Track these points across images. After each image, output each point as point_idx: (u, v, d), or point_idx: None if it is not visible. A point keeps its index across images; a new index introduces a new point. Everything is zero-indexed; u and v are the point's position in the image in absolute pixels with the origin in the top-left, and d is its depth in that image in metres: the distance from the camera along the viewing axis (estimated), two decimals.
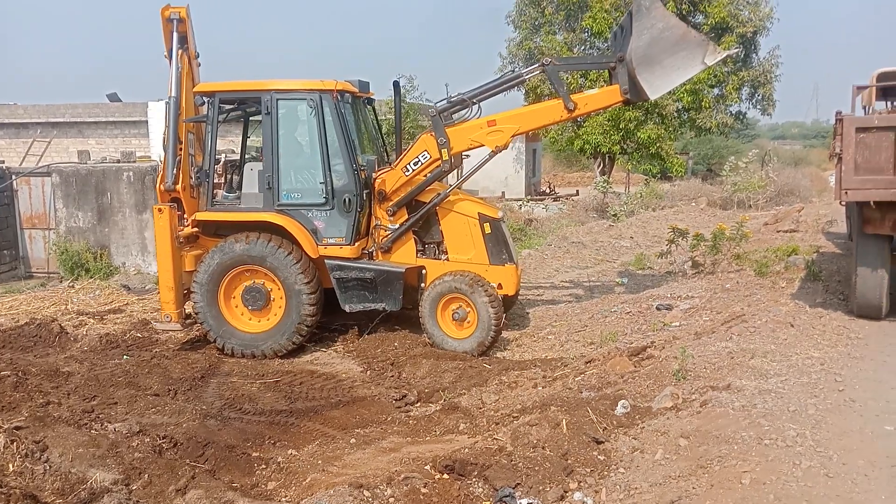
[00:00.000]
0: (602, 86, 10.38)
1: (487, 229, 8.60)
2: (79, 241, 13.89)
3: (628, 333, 8.03)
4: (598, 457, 4.65)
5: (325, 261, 8.41)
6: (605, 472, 4.48)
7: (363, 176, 8.53)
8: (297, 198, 8.43)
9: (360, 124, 9.25)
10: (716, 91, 24.33)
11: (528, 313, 9.83)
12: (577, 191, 28.72)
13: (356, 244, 8.50)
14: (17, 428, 5.39)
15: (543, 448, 4.70)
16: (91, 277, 12.85)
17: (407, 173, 8.50)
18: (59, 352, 8.52)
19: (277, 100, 8.26)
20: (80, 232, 14.17)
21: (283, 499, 4.99)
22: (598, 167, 26.04)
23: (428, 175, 8.53)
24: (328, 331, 9.26)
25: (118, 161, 15.06)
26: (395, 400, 6.84)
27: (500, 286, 8.45)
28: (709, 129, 24.76)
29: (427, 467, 4.71)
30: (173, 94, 8.21)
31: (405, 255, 8.70)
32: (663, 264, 11.40)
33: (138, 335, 9.17)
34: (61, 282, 13.14)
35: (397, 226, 8.62)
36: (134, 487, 4.92)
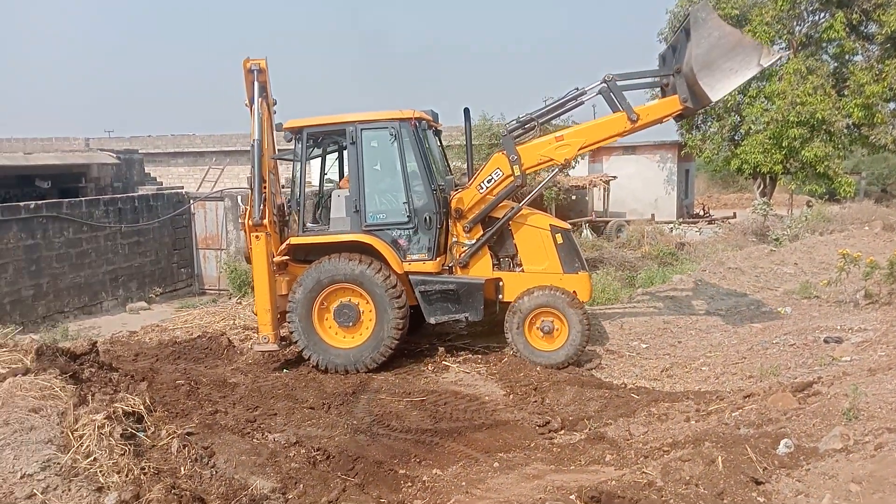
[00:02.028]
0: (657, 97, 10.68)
1: (559, 239, 9.05)
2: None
3: (792, 367, 7.49)
4: (758, 498, 4.34)
5: (409, 276, 8.86)
6: None
7: (441, 195, 8.96)
8: (382, 218, 8.93)
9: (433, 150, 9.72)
10: (891, 105, 22.34)
11: (679, 342, 9.42)
12: (735, 213, 27.29)
13: (437, 259, 8.94)
14: (189, 434, 5.86)
15: (697, 485, 4.46)
16: None
17: (481, 191, 9.02)
18: (226, 363, 9.20)
19: (361, 130, 8.81)
20: None
21: None
22: (758, 188, 24.62)
23: (501, 192, 8.95)
24: (472, 352, 9.37)
25: (283, 187, 16.09)
26: (539, 426, 6.76)
27: (574, 294, 8.76)
28: (884, 147, 22.73)
29: (572, 497, 4.61)
30: (256, 137, 8.75)
31: (482, 269, 9.12)
32: (832, 293, 10.54)
33: (297, 350, 9.71)
34: (230, 298, 14.19)
35: (474, 241, 9.08)
36: (290, 496, 5.19)
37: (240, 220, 9.68)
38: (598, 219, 23.54)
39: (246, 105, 9.12)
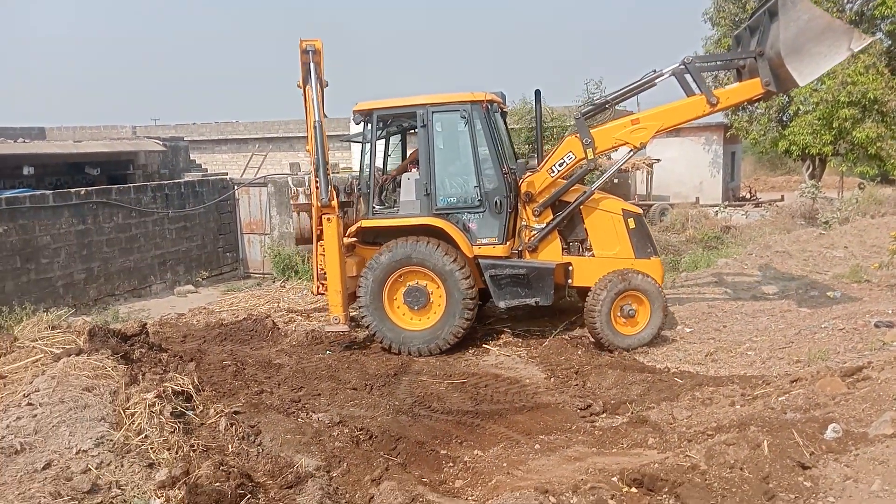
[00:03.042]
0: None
1: (632, 224, 8.98)
2: (289, 245, 15.16)
3: (841, 352, 7.31)
4: (804, 483, 4.27)
5: (479, 260, 8.84)
6: (812, 500, 4.10)
7: (511, 179, 8.91)
8: (453, 202, 8.91)
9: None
10: None
11: (724, 326, 9.26)
12: (782, 196, 26.60)
13: (507, 244, 8.87)
14: (236, 412, 6.00)
15: (741, 469, 4.40)
16: (299, 278, 13.97)
17: (552, 174, 8.92)
18: (271, 345, 9.37)
19: (433, 113, 8.76)
20: (291, 237, 15.45)
21: (470, 497, 5.10)
22: (807, 170, 23.98)
23: (572, 176, 8.92)
24: (512, 335, 9.36)
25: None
26: (580, 409, 6.75)
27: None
28: None
29: (614, 479, 4.60)
30: (316, 118, 8.68)
31: (552, 253, 9.04)
32: (883, 277, 10.25)
33: (367, 331, 9.80)
34: (274, 282, 14.41)
35: (543, 225, 8.98)
36: (334, 475, 5.28)
37: (291, 202, 9.63)
38: (641, 202, 23.22)
39: (298, 86, 9.15)
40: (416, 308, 8.82)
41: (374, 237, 9.23)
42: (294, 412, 6.42)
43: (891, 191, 21.08)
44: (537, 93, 9.55)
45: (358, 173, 9.89)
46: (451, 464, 5.65)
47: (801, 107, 22.36)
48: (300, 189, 9.58)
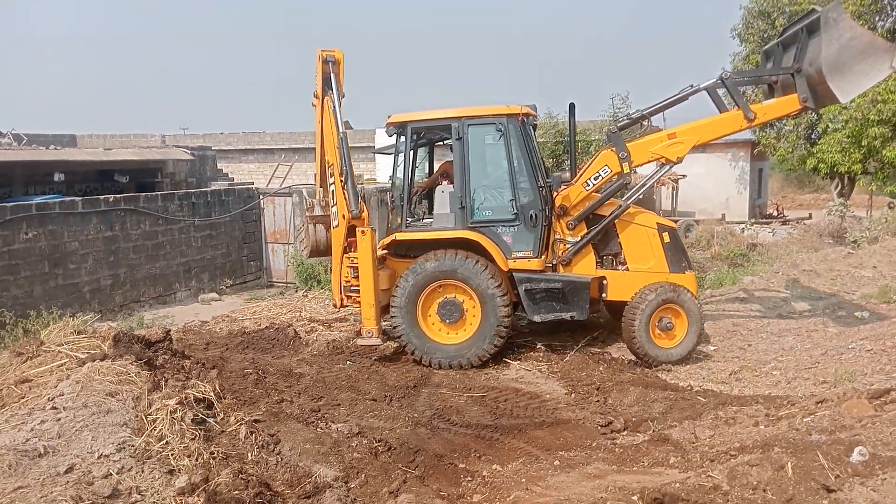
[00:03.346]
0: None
1: (666, 238, 9.02)
2: None
3: (868, 374, 7.18)
4: None
5: (514, 273, 8.79)
6: None
7: (546, 192, 8.89)
8: (488, 215, 8.87)
9: None
10: None
11: (749, 345, 9.14)
12: (810, 214, 26.31)
13: (542, 257, 8.83)
14: (256, 421, 6.03)
15: (764, 491, 4.33)
16: (322, 288, 14.04)
17: (588, 188, 8.92)
18: (292, 354, 9.40)
19: (468, 126, 8.74)
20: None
21: None
22: (836, 188, 23.64)
23: (608, 189, 8.89)
24: (533, 350, 9.31)
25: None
26: (601, 426, 6.68)
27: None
28: None
29: (634, 498, 4.55)
30: (341, 130, 8.67)
31: (586, 267, 9.02)
32: None
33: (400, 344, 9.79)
34: (296, 291, 14.50)
35: (578, 238, 8.97)
36: (352, 486, 5.27)
37: (306, 214, 9.67)
38: (666, 218, 22.95)
39: (316, 96, 9.18)
40: (450, 321, 8.78)
41: (406, 250, 9.22)
42: (313, 422, 6.42)
43: None
44: (572, 106, 9.47)
45: (390, 186, 9.88)
46: (469, 478, 5.61)
47: (829, 124, 22.08)
48: (314, 200, 9.62)
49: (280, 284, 15.93)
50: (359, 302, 8.97)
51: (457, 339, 8.76)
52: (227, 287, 15.28)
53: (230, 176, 22.37)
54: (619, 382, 7.76)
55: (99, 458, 4.64)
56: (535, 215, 8.72)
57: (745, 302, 11.44)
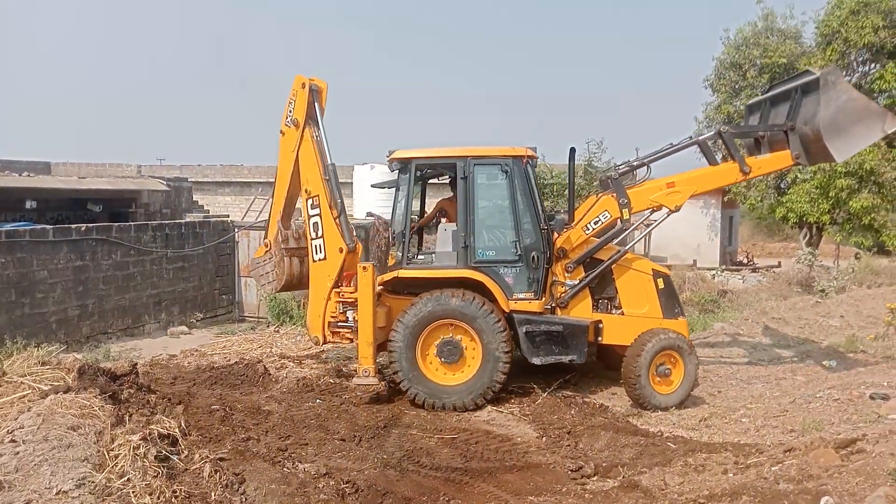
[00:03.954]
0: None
1: (661, 284, 9.17)
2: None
3: (835, 423, 7.25)
4: None
5: (514, 315, 8.76)
6: None
7: (548, 233, 8.92)
8: (491, 255, 8.87)
9: None
10: None
11: (719, 392, 9.21)
12: (779, 262, 26.73)
13: (542, 299, 8.83)
14: (221, 459, 5.91)
15: None
16: (294, 324, 13.91)
17: (587, 232, 9.07)
18: (261, 391, 9.25)
19: (474, 165, 8.78)
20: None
21: None
22: (804, 238, 24.14)
23: (606, 234, 9.04)
24: (505, 392, 9.28)
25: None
26: (571, 471, 6.64)
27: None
28: None
29: None
30: (329, 160, 8.69)
31: (583, 310, 9.08)
32: (879, 349, 10.24)
33: (331, 380, 9.73)
34: (268, 326, 14.33)
35: (576, 282, 9.03)
36: None
37: (281, 247, 9.43)
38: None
39: (287, 125, 9.06)
40: (449, 361, 8.64)
41: (404, 287, 9.14)
42: (280, 461, 6.31)
43: (887, 261, 21.22)
44: (572, 151, 9.47)
45: (372, 221, 9.94)
46: None
47: (798, 175, 22.63)
48: (289, 232, 9.56)
49: (252, 319, 15.74)
50: (347, 339, 8.89)
51: (455, 379, 8.64)
52: (197, 320, 15.07)
53: (206, 208, 22.26)
54: (590, 426, 7.75)
55: (57, 493, 4.52)
56: (537, 257, 8.77)
57: (716, 348, 11.56)
